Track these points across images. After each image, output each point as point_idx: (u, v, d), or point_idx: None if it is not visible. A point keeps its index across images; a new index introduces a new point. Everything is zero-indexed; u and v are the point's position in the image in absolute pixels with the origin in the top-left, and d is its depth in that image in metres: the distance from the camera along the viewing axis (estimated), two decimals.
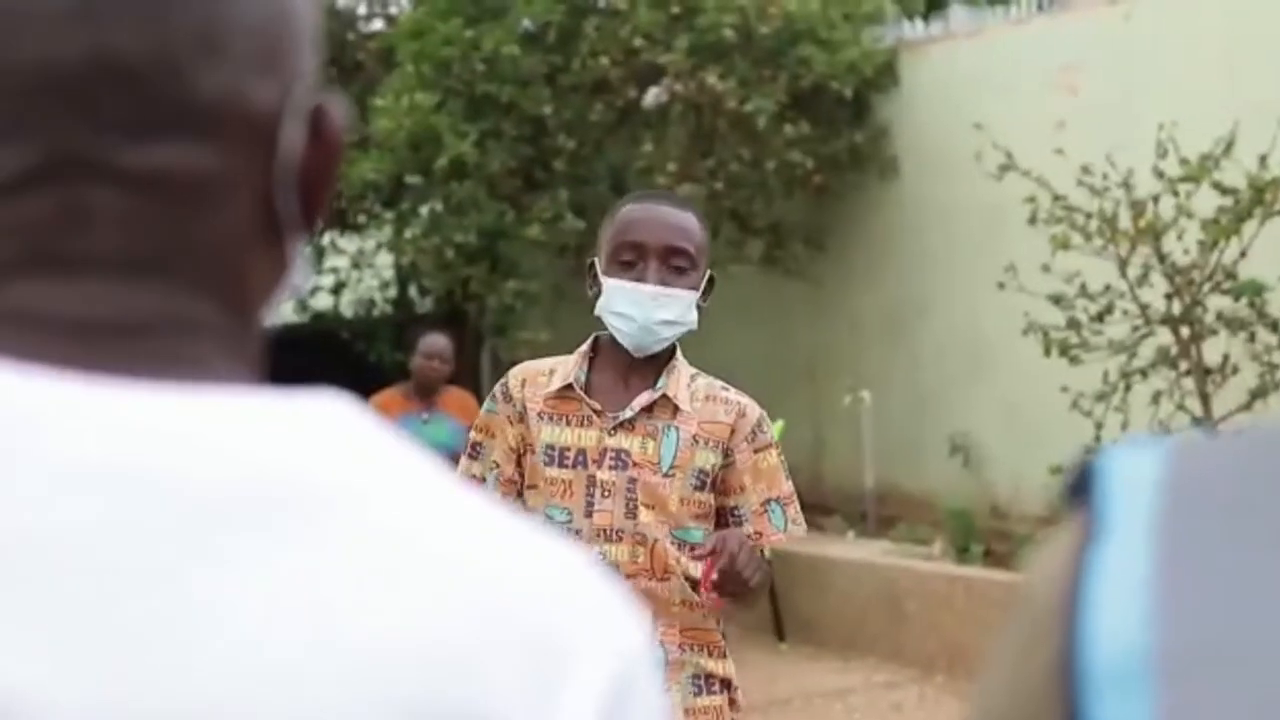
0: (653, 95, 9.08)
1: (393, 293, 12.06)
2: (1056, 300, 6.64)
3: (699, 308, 2.81)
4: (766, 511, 2.80)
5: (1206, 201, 6.39)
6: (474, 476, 2.94)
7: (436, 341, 6.83)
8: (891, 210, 9.09)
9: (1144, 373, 6.55)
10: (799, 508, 2.87)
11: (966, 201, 8.46)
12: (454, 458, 6.71)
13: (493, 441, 2.91)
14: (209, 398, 0.69)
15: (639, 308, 2.75)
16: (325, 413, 0.71)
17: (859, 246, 9.26)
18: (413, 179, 9.22)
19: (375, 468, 0.70)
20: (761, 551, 2.79)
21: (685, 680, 2.77)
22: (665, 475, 2.75)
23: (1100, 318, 6.61)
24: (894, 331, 9.06)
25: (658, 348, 2.79)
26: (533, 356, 9.53)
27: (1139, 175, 6.54)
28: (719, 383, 2.86)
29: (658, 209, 2.82)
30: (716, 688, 2.80)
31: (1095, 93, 7.92)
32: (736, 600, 2.74)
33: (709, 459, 2.76)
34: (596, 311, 2.83)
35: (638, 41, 8.51)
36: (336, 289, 11.72)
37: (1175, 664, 0.64)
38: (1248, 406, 6.43)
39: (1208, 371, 6.48)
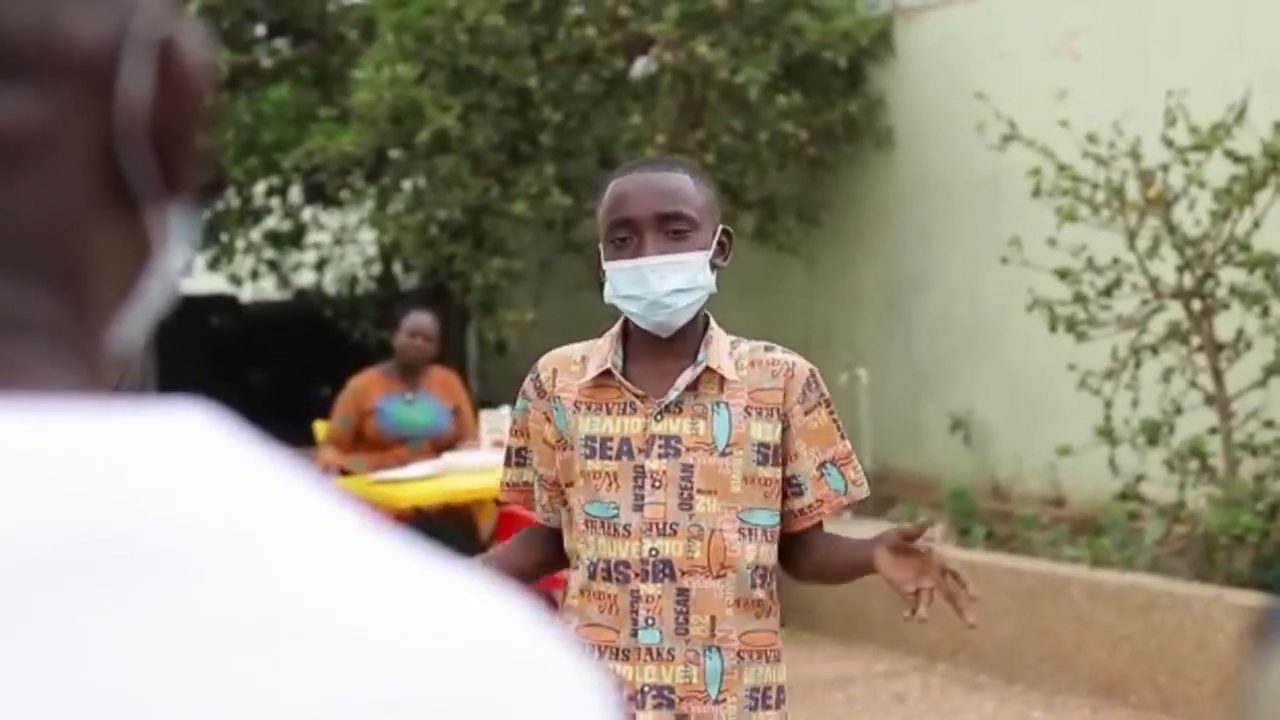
0: (641, 66, 8.90)
1: (376, 269, 11.92)
2: (1063, 274, 6.42)
3: (716, 267, 2.61)
4: (824, 475, 2.61)
5: (1218, 170, 6.17)
6: (524, 483, 2.75)
7: (420, 319, 6.70)
8: (887, 182, 8.88)
9: (1154, 349, 6.35)
10: (859, 467, 2.68)
11: (965, 173, 8.26)
12: (436, 440, 6.57)
13: (531, 444, 2.70)
14: (16, 415, 0.53)
15: (642, 284, 2.54)
16: (180, 435, 0.55)
17: (854, 220, 9.05)
18: (395, 153, 9.04)
19: (243, 510, 0.54)
20: (820, 523, 2.65)
21: (743, 694, 2.57)
22: (722, 455, 2.56)
23: (1108, 292, 6.40)
24: (891, 307, 8.86)
25: (680, 320, 2.57)
26: (519, 336, 9.37)
27: (1146, 144, 6.32)
28: (761, 344, 2.66)
29: (644, 177, 2.61)
30: (773, 700, 2.60)
31: (1098, 59, 7.70)
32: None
33: (766, 430, 2.57)
34: (607, 300, 2.61)
35: (625, 10, 8.33)
36: (319, 265, 11.60)
37: None
38: (1262, 383, 6.23)
39: (1220, 347, 6.28)
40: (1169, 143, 6.22)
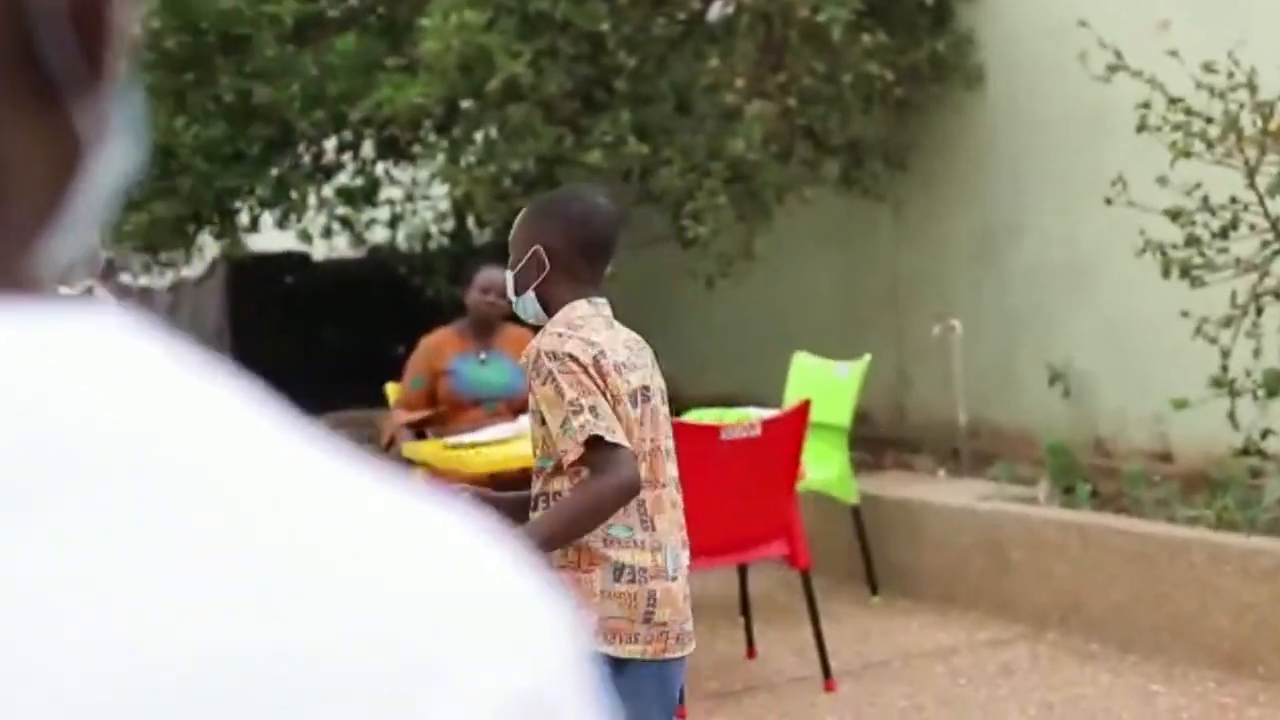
0: (718, 7, 8.55)
1: (449, 225, 11.65)
2: (1174, 215, 6.02)
3: (554, 270, 3.46)
4: (565, 430, 3.22)
5: None
6: None
7: (493, 275, 6.44)
8: (979, 123, 8.49)
9: (1277, 294, 5.94)
10: (580, 419, 3.20)
11: (1061, 110, 7.85)
12: (511, 401, 6.29)
13: None
14: None
15: None
16: (100, 340, 0.52)
17: (944, 163, 8.67)
18: (466, 104, 8.75)
19: (171, 419, 0.51)
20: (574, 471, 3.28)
21: None
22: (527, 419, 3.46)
23: (1224, 233, 6.00)
24: (985, 254, 8.47)
25: (523, 318, 3.54)
26: None
27: (1262, 75, 5.90)
28: (548, 330, 3.36)
29: None
30: None
31: None
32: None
33: (532, 399, 3.33)
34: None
35: None
36: (393, 222, 11.35)
37: None
38: None
39: None
40: None
